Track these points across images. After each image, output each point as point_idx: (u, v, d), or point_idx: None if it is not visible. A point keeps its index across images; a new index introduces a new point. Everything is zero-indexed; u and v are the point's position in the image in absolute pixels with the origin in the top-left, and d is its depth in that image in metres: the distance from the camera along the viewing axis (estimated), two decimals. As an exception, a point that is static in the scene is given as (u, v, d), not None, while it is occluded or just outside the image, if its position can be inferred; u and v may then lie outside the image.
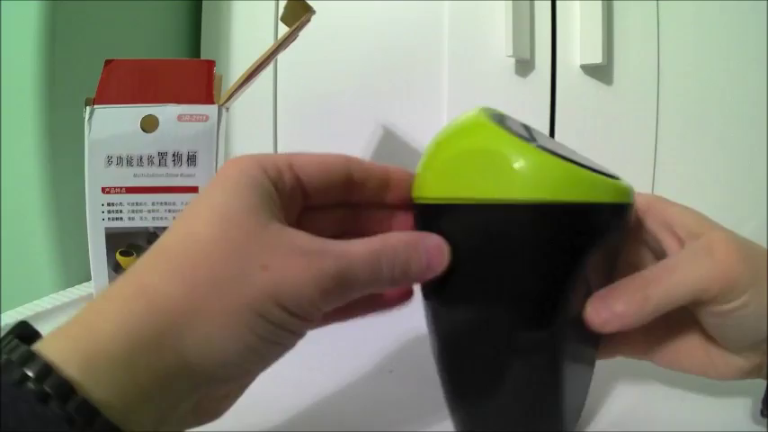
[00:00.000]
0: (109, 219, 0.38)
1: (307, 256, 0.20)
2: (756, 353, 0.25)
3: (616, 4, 0.51)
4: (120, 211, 0.38)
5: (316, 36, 0.49)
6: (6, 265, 0.48)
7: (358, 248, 0.21)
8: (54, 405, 0.16)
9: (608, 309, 0.24)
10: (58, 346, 0.18)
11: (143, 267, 0.20)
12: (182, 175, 0.38)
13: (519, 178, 0.21)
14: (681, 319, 0.27)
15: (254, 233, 0.20)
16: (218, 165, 0.38)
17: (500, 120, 0.23)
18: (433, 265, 0.23)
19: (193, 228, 0.20)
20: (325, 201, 0.24)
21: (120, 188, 0.38)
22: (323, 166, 0.24)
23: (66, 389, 0.17)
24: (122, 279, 0.20)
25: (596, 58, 0.51)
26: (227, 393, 0.22)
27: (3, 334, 0.19)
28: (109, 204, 0.38)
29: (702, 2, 0.49)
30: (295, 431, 0.27)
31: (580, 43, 0.52)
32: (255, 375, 0.22)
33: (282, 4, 0.41)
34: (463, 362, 0.25)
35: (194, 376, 0.19)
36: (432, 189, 0.24)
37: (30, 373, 0.17)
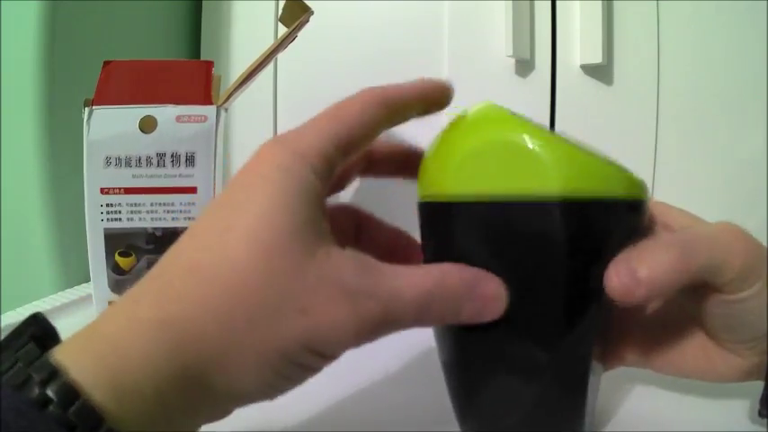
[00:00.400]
0: (108, 219, 0.38)
1: (351, 300, 0.18)
2: (754, 351, 0.24)
3: (616, 4, 0.51)
4: (119, 212, 0.38)
5: (315, 36, 0.49)
6: (6, 266, 0.48)
7: (409, 290, 0.19)
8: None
9: (632, 274, 0.21)
10: (82, 364, 0.16)
11: (172, 285, 0.18)
12: (180, 175, 0.38)
13: (550, 171, 0.20)
14: (679, 322, 0.27)
15: (297, 266, 0.18)
16: (217, 165, 0.38)
17: (513, 113, 0.22)
18: (487, 313, 0.21)
19: (230, 250, 0.18)
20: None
21: (119, 189, 0.38)
22: (365, 126, 0.22)
23: (93, 418, 0.15)
24: (147, 297, 0.18)
25: (596, 58, 0.51)
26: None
27: (14, 330, 0.17)
28: (108, 205, 0.38)
29: (702, 2, 0.49)
30: (294, 431, 0.27)
31: (580, 43, 0.52)
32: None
33: (282, 5, 0.41)
34: (484, 367, 0.24)
35: (216, 403, 0.19)
36: (444, 186, 0.22)
37: (52, 395, 0.15)
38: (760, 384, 0.25)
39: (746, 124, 0.48)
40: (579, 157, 0.21)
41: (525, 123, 0.21)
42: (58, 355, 0.16)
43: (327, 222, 0.20)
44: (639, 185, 0.23)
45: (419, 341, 0.37)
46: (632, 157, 0.53)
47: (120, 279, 0.39)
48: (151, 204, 0.38)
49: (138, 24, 0.58)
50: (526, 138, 0.21)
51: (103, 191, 0.38)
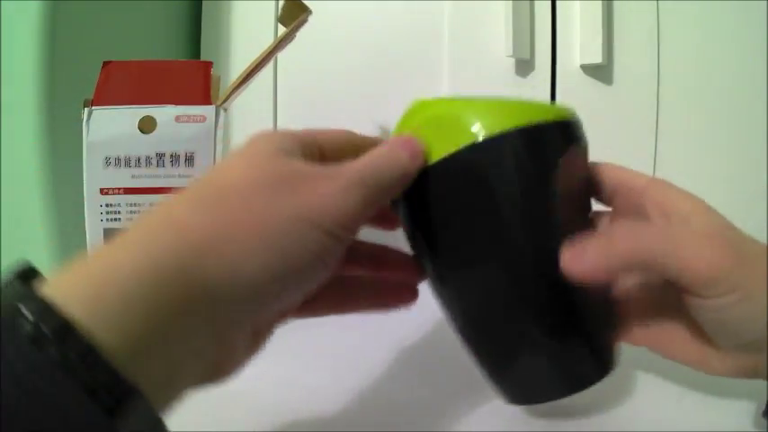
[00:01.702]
0: (107, 220, 0.38)
1: (334, 175, 0.21)
2: (750, 354, 0.24)
3: (616, 4, 0.51)
4: (119, 212, 0.38)
5: (315, 36, 0.49)
6: (6, 266, 0.48)
7: (375, 155, 0.23)
8: (51, 351, 0.14)
9: (578, 259, 0.24)
10: (65, 281, 0.16)
11: (172, 202, 0.20)
12: (180, 175, 0.38)
13: (471, 122, 0.24)
14: (672, 309, 0.27)
15: (281, 166, 0.21)
16: (217, 166, 0.38)
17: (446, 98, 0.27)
18: (417, 150, 0.24)
19: (223, 169, 0.21)
20: None
21: (119, 189, 0.38)
22: (336, 139, 0.26)
23: (62, 328, 0.15)
24: (149, 212, 0.19)
25: (596, 58, 0.51)
26: (243, 339, 0.21)
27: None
28: (107, 205, 0.38)
29: (703, 2, 0.49)
30: (293, 431, 0.27)
31: (580, 43, 0.52)
32: (274, 308, 0.21)
33: (281, 5, 0.41)
34: (487, 320, 0.26)
35: (214, 304, 0.18)
36: None
37: (24, 311, 0.15)
38: (761, 384, 0.25)
39: (746, 124, 0.48)
40: (495, 105, 0.25)
41: (451, 100, 0.26)
42: (40, 282, 0.17)
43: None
44: (558, 111, 0.26)
45: (419, 342, 0.37)
46: (632, 157, 0.53)
47: (120, 279, 0.39)
48: (150, 204, 0.38)
49: (138, 24, 0.58)
50: (450, 106, 0.26)
51: (103, 191, 0.38)
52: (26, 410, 0.14)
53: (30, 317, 0.15)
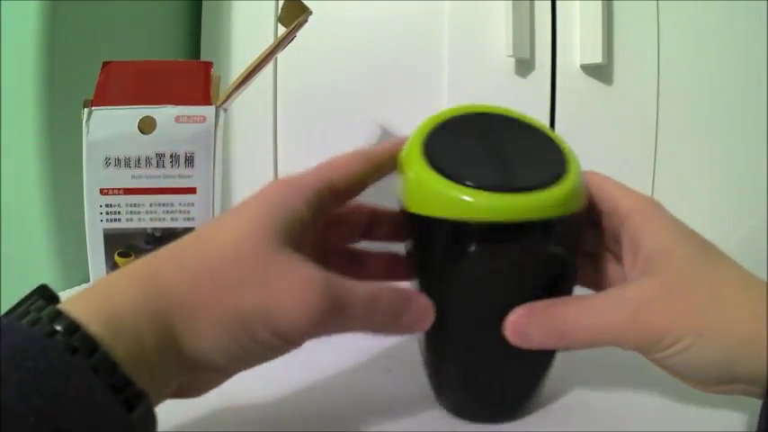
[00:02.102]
0: (107, 220, 0.38)
1: (307, 285, 0.21)
2: (724, 385, 0.24)
3: (616, 4, 0.51)
4: (119, 213, 0.38)
5: (316, 36, 0.49)
6: (6, 267, 0.48)
7: (358, 289, 0.23)
8: (81, 356, 0.18)
9: (523, 331, 0.24)
10: (81, 308, 0.20)
11: (160, 256, 0.22)
12: (179, 176, 0.38)
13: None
14: None
15: (263, 253, 0.22)
16: (216, 166, 0.38)
17: (435, 141, 0.25)
18: (420, 323, 0.25)
19: (213, 236, 0.23)
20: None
21: (119, 189, 0.38)
22: (351, 171, 0.26)
23: (91, 343, 0.19)
24: (140, 262, 0.22)
25: (596, 58, 0.51)
26: (210, 380, 0.24)
27: (27, 294, 0.21)
28: (107, 206, 0.38)
29: (702, 2, 0.49)
30: (293, 431, 0.27)
31: (580, 43, 0.52)
32: (236, 373, 0.24)
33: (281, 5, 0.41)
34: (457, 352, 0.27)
35: (183, 358, 0.21)
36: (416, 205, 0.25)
37: (59, 328, 0.18)
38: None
39: (746, 124, 0.48)
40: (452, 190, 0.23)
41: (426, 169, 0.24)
42: (62, 306, 0.20)
43: (308, 246, 0.25)
44: (507, 207, 0.23)
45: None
46: (632, 157, 0.53)
47: (120, 279, 0.39)
48: (150, 205, 0.38)
49: (138, 24, 0.58)
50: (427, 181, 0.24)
51: (103, 191, 0.38)
52: (65, 403, 0.17)
53: (62, 332, 0.19)
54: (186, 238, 0.23)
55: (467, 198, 0.23)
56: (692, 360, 0.23)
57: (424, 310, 0.25)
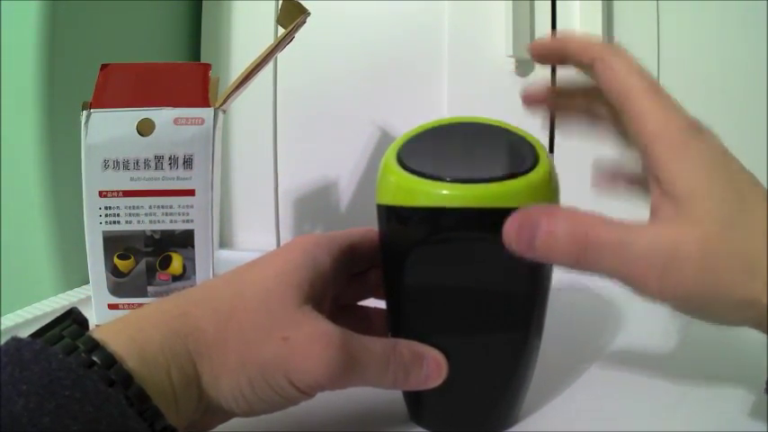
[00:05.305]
0: (106, 222, 0.38)
1: (325, 340, 0.23)
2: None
3: (616, 4, 0.51)
4: (118, 215, 0.38)
5: (316, 37, 0.49)
6: (6, 269, 0.49)
7: (373, 346, 0.24)
8: (118, 389, 0.19)
9: (533, 226, 0.22)
10: (116, 340, 0.21)
11: (192, 296, 0.24)
12: (178, 178, 0.38)
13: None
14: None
15: (287, 309, 0.23)
16: (215, 167, 0.38)
17: (411, 148, 0.26)
18: (431, 379, 0.25)
19: (243, 285, 0.24)
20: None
21: (118, 192, 0.38)
22: (369, 239, 0.28)
23: (127, 377, 0.20)
24: (173, 299, 0.24)
25: (596, 57, 0.51)
26: (209, 423, 0.25)
27: (58, 317, 0.22)
28: (106, 208, 0.38)
29: (702, 2, 0.49)
30: (292, 431, 0.27)
31: (580, 43, 0.52)
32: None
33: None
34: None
35: (202, 397, 0.23)
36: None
37: (96, 360, 0.20)
38: (761, 384, 0.25)
39: (747, 124, 0.48)
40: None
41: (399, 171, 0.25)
42: (96, 334, 0.21)
43: (328, 302, 0.26)
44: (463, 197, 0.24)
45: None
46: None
47: (119, 281, 0.39)
48: (149, 207, 0.38)
49: (139, 25, 0.58)
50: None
51: (102, 194, 0.38)
52: (100, 428, 0.18)
53: (99, 365, 0.20)
54: (218, 281, 0.25)
55: (440, 190, 0.23)
56: (710, 318, 0.23)
57: (436, 364, 0.25)
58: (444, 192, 0.23)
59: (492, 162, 0.25)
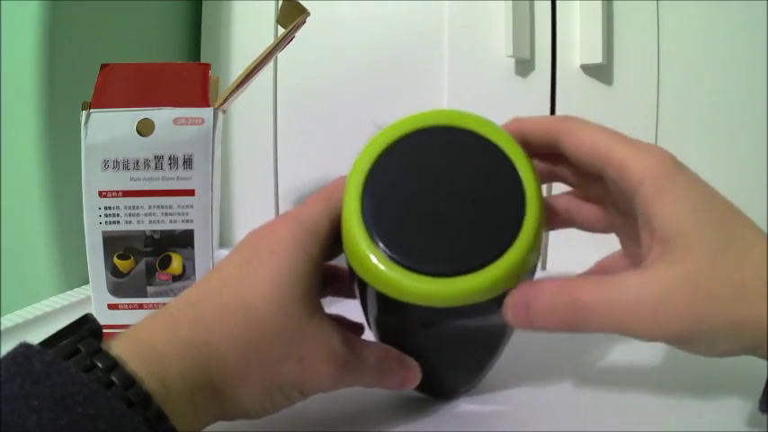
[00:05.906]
0: (106, 222, 0.38)
1: (334, 359, 0.25)
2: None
3: (616, 4, 0.51)
4: (117, 215, 0.38)
5: (316, 36, 0.49)
6: (6, 269, 0.49)
7: (368, 356, 0.26)
8: (137, 410, 0.19)
9: (526, 306, 0.24)
10: (136, 363, 0.21)
11: (206, 317, 0.24)
12: (178, 178, 0.38)
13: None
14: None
15: (301, 326, 0.25)
16: (215, 167, 0.38)
17: (372, 197, 0.25)
18: (409, 383, 0.28)
19: (254, 301, 0.24)
20: None
21: (117, 192, 0.38)
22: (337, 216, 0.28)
23: (146, 399, 0.20)
24: (186, 318, 0.24)
25: (596, 58, 0.51)
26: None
27: (71, 324, 0.22)
28: (106, 208, 0.38)
29: (702, 2, 0.49)
30: (292, 431, 0.27)
31: (580, 43, 0.52)
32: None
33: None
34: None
35: (223, 412, 0.24)
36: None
37: (116, 380, 0.20)
38: (759, 384, 0.25)
39: (746, 124, 0.48)
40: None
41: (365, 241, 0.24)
42: (114, 352, 0.21)
43: (319, 290, 0.27)
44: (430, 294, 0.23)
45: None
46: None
47: (119, 282, 0.39)
48: (149, 207, 0.38)
49: (139, 25, 0.58)
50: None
51: (102, 194, 0.38)
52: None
53: (118, 386, 0.20)
54: (225, 296, 0.25)
55: (405, 283, 0.23)
56: (708, 351, 0.23)
57: (416, 371, 0.28)
58: (428, 289, 0.23)
59: (471, 234, 0.23)
